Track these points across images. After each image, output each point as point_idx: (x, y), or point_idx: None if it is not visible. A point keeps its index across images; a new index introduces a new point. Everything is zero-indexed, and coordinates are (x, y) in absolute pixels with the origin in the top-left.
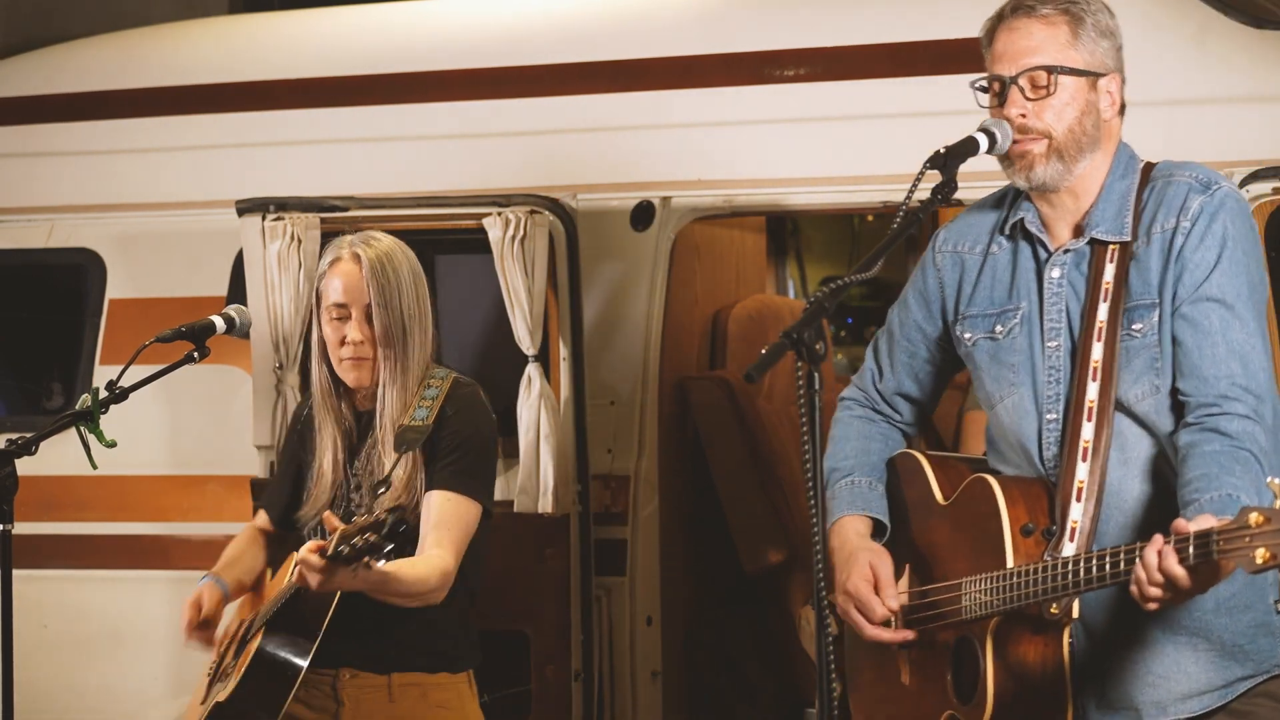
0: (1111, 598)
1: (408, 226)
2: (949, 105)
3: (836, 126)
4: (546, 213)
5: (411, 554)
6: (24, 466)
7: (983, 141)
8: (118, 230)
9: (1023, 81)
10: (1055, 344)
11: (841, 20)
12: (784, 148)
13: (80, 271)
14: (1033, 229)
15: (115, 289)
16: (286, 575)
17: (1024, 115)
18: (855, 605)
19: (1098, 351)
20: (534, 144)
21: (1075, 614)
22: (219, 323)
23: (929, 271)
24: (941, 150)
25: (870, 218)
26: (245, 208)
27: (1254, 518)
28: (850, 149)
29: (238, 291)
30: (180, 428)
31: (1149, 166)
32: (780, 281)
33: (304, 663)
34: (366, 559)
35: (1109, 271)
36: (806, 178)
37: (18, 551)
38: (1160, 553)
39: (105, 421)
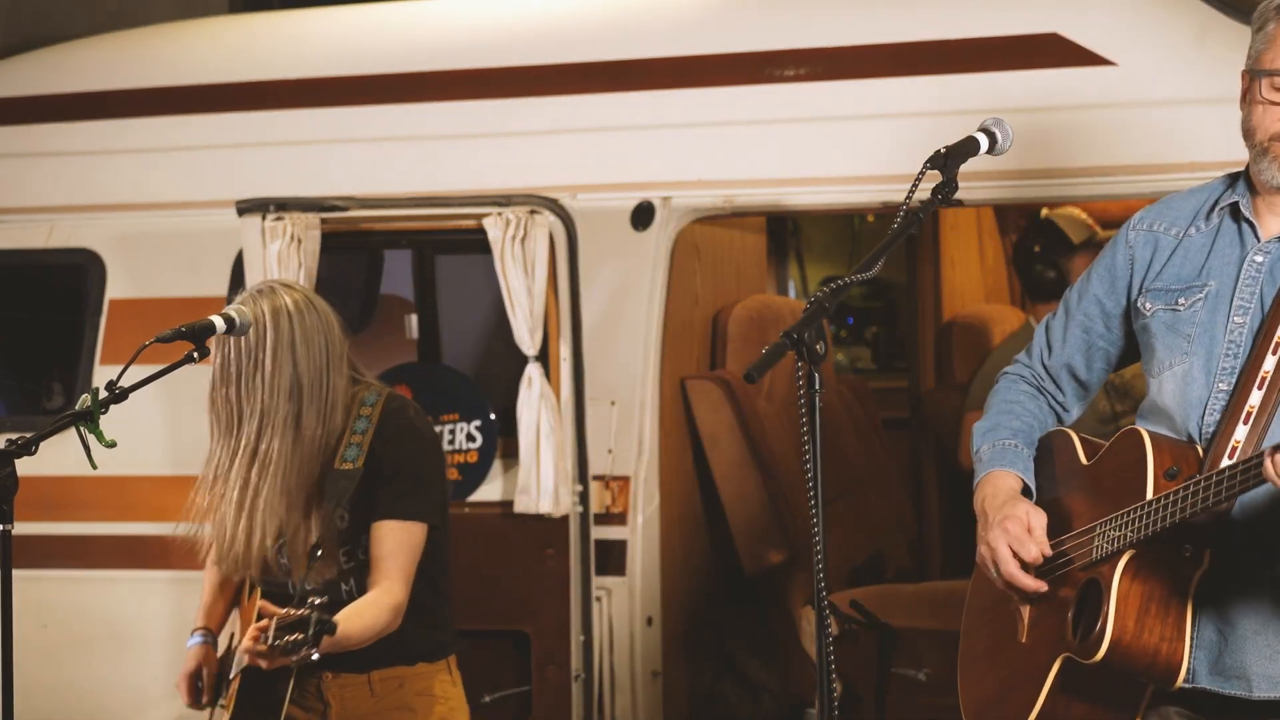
0: (1243, 563)
1: (408, 226)
2: (949, 105)
3: (837, 126)
4: (546, 213)
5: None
6: (24, 466)
7: (983, 142)
8: (118, 230)
9: None
10: (1242, 320)
11: (842, 20)
12: (784, 148)
13: (80, 271)
14: (1247, 213)
15: (115, 289)
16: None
17: None
18: (1010, 541)
19: None
20: (534, 144)
21: (1205, 563)
22: (219, 323)
23: (1120, 248)
24: (942, 150)
25: (871, 218)
26: (245, 208)
27: None
28: (850, 149)
29: (238, 291)
30: (180, 428)
31: None
32: (780, 281)
33: None
34: (303, 652)
35: None
36: (807, 178)
37: (18, 552)
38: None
39: (105, 421)
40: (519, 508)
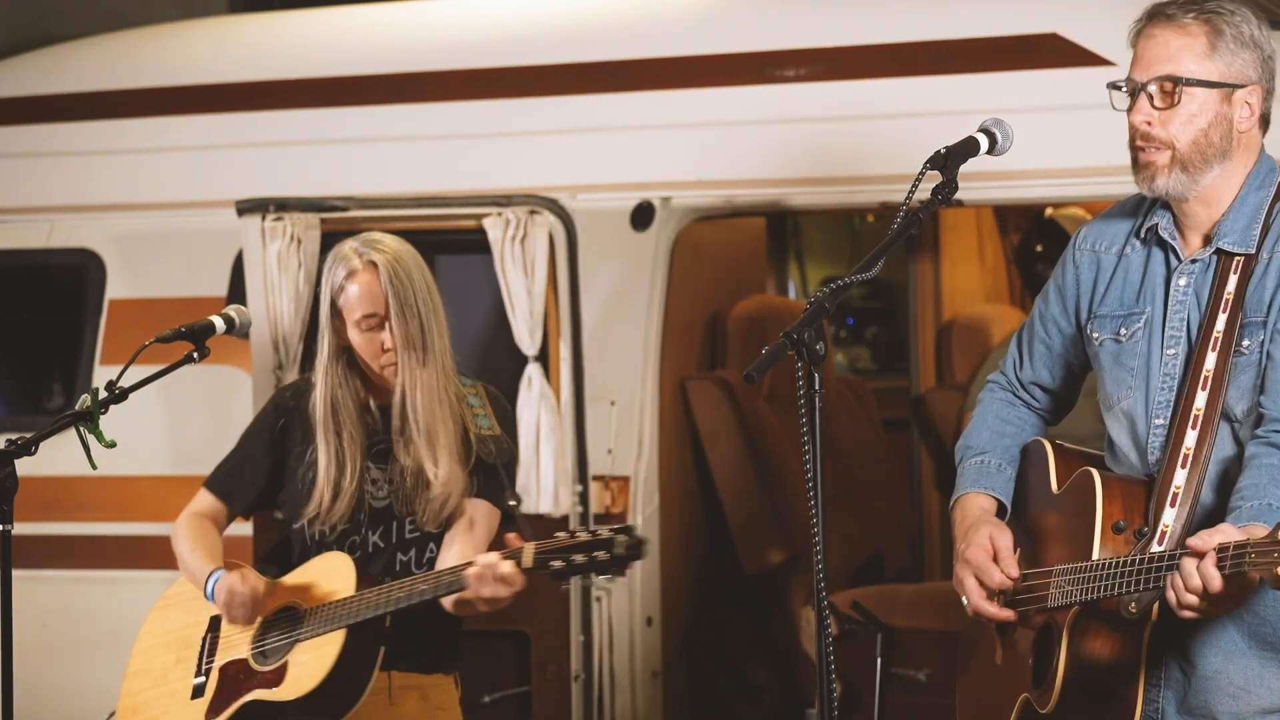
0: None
1: (408, 226)
2: (949, 105)
3: (837, 126)
4: (546, 213)
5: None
6: (24, 467)
7: (983, 142)
8: (118, 230)
9: (1152, 89)
10: (1173, 351)
11: (842, 20)
12: (784, 148)
13: (80, 272)
14: (1165, 235)
15: (115, 289)
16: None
17: (1149, 123)
18: (974, 572)
19: (1210, 361)
20: (534, 144)
21: (1154, 616)
22: (219, 323)
23: (1068, 267)
24: (942, 150)
25: (871, 218)
26: (245, 208)
27: None
28: (850, 149)
29: (237, 292)
30: (180, 428)
31: None
32: (780, 282)
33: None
34: (581, 576)
35: (1231, 283)
36: (807, 178)
37: (17, 552)
38: (1199, 562)
39: (105, 422)
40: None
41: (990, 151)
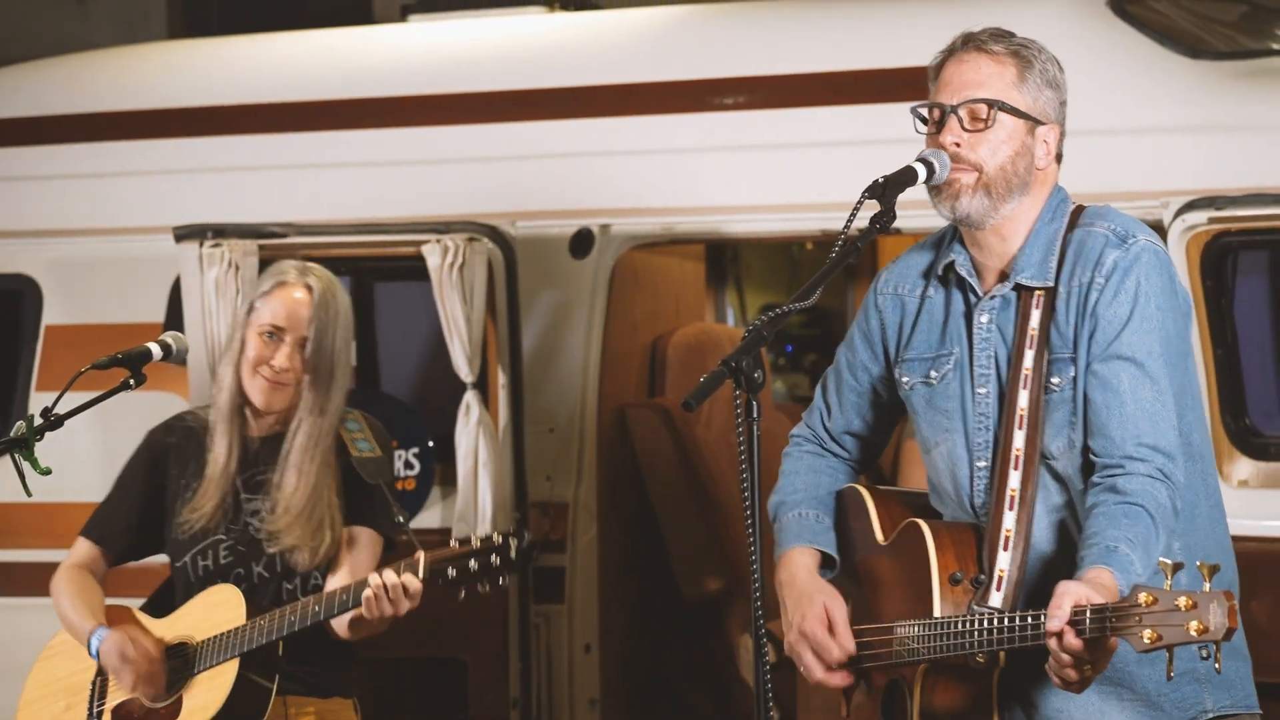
0: (1039, 654)
1: (347, 253)
2: (888, 134)
3: (776, 154)
4: (485, 240)
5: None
6: None
7: (921, 171)
8: (54, 256)
9: (962, 112)
10: (985, 390)
11: (781, 49)
12: (723, 176)
13: (16, 297)
14: (963, 272)
15: (51, 315)
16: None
17: (958, 144)
18: (811, 647)
19: (1024, 400)
20: (473, 171)
21: (1002, 663)
22: (155, 349)
23: (871, 313)
24: (880, 179)
25: (810, 245)
26: (183, 234)
27: (1144, 597)
28: (789, 177)
29: (175, 318)
30: (116, 455)
31: (1078, 210)
32: (720, 309)
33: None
34: (478, 583)
35: (1035, 318)
36: (746, 206)
37: None
38: (1061, 634)
39: (40, 448)
40: (457, 534)
41: (928, 181)
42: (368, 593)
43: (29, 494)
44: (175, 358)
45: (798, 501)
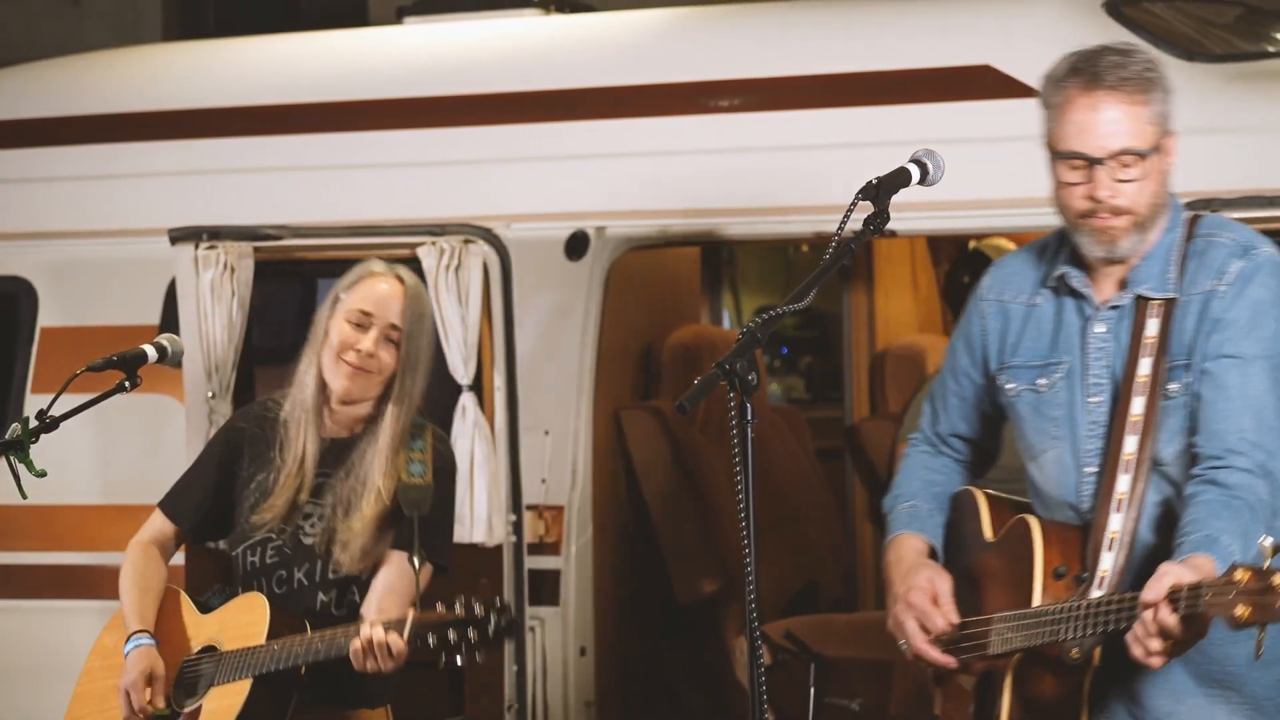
0: None
1: (342, 255)
2: (883, 136)
3: (771, 157)
4: (481, 242)
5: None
6: None
7: (914, 173)
8: (50, 258)
9: (1110, 164)
10: (1098, 399)
11: (776, 52)
12: (719, 178)
13: (11, 300)
14: (1076, 284)
15: (47, 317)
16: (236, 622)
17: (1113, 196)
18: (915, 616)
19: (1138, 406)
20: (468, 173)
21: (1096, 661)
22: (151, 352)
23: (974, 319)
24: (874, 181)
25: (805, 247)
26: (178, 236)
27: (1240, 574)
28: (784, 179)
29: (170, 320)
30: (111, 457)
31: (1194, 219)
32: (715, 311)
33: None
34: (456, 654)
35: (1152, 326)
36: (741, 208)
37: None
38: (1155, 612)
39: (35, 451)
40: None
41: (922, 182)
42: (355, 644)
43: (24, 496)
44: (170, 360)
45: (912, 494)
